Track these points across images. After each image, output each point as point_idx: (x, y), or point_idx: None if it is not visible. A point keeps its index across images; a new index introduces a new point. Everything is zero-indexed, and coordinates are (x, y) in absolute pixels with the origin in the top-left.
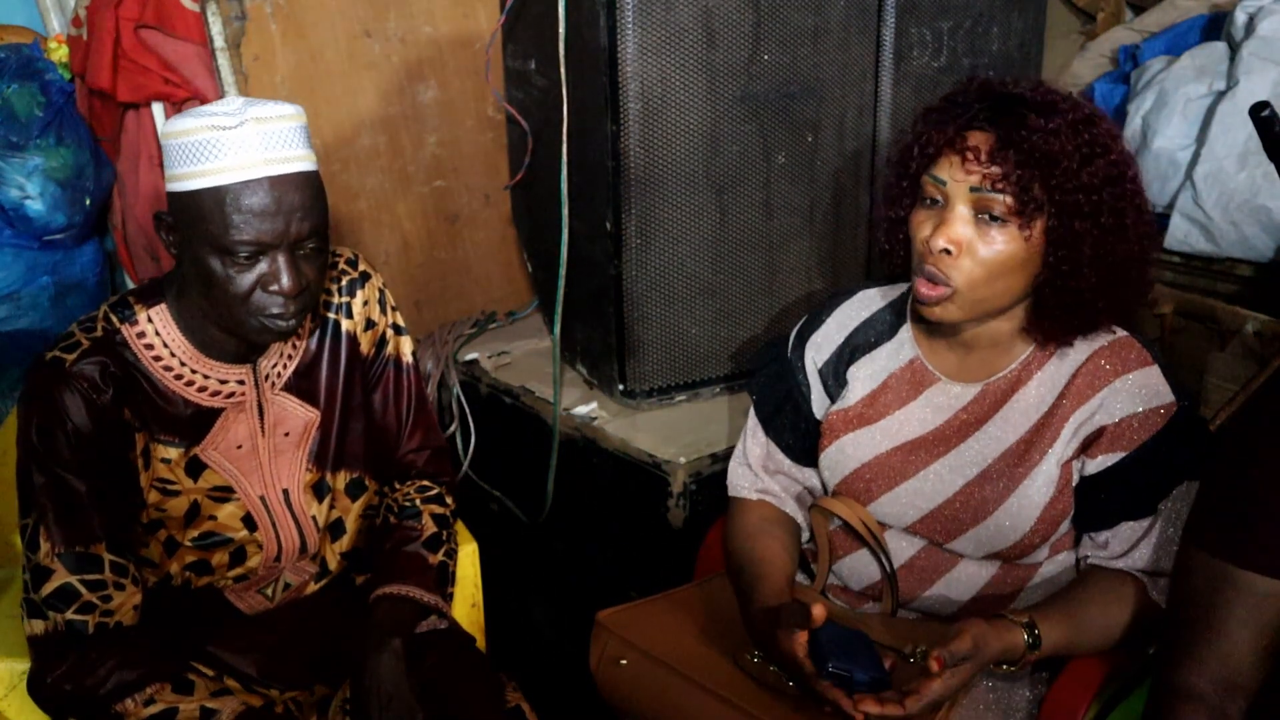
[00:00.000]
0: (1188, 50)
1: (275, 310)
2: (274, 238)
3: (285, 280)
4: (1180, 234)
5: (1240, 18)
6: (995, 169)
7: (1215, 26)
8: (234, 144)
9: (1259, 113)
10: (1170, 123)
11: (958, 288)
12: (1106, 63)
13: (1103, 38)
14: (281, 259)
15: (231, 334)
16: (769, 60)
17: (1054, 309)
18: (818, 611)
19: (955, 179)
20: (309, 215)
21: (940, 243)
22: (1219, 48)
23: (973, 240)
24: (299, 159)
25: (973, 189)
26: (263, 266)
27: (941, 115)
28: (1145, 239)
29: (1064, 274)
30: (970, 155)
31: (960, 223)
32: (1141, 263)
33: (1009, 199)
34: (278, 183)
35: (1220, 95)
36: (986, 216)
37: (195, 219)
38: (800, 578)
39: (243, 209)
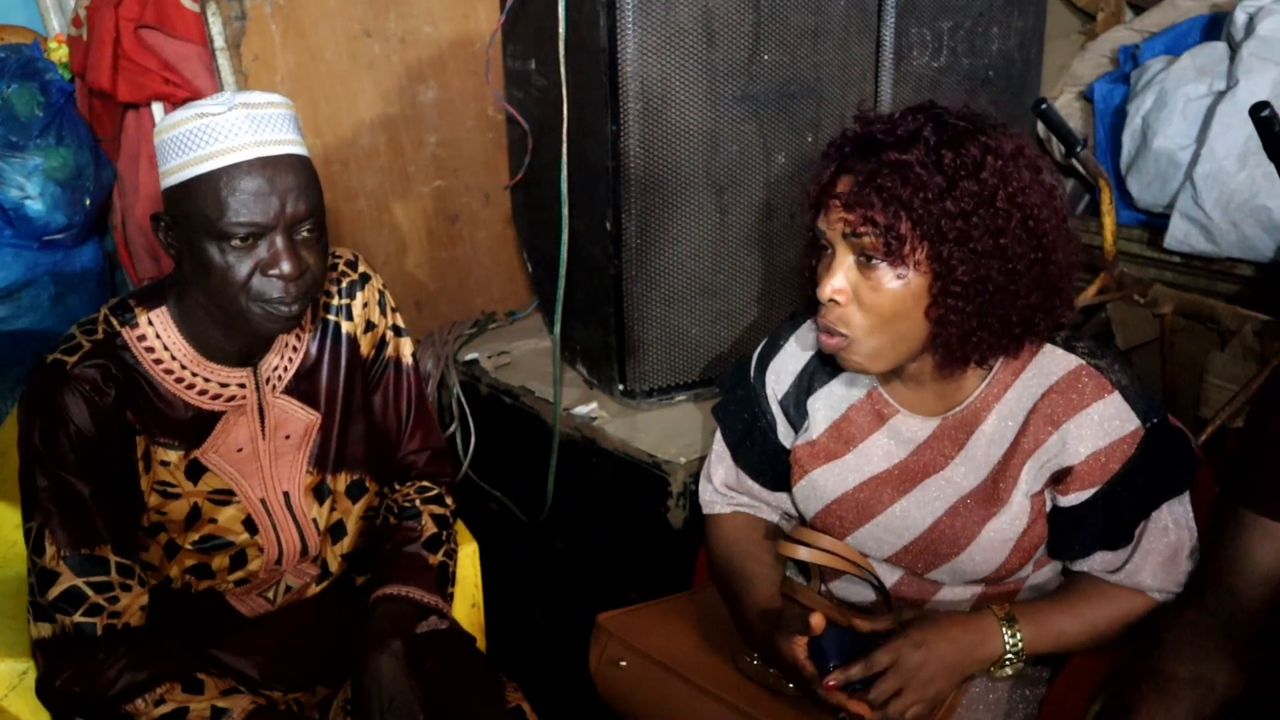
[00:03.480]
0: (1188, 50)
1: (276, 295)
2: (269, 219)
3: (285, 264)
4: (1180, 234)
5: (1240, 18)
6: (858, 212)
7: (1215, 26)
8: (223, 128)
9: (1259, 113)
10: (1170, 123)
11: (854, 337)
12: (1106, 63)
13: (1103, 38)
14: (279, 242)
15: (234, 328)
16: (769, 60)
17: (944, 338)
18: (815, 621)
19: (831, 227)
20: (303, 196)
21: (826, 293)
22: (1219, 48)
23: (858, 286)
24: (290, 143)
25: (844, 235)
26: (261, 251)
27: (822, 162)
28: (1034, 254)
29: (945, 305)
30: (836, 202)
31: (843, 271)
32: (1032, 279)
33: (874, 240)
34: (270, 163)
35: (1220, 95)
36: (865, 260)
37: (191, 208)
38: (799, 577)
39: (237, 191)
